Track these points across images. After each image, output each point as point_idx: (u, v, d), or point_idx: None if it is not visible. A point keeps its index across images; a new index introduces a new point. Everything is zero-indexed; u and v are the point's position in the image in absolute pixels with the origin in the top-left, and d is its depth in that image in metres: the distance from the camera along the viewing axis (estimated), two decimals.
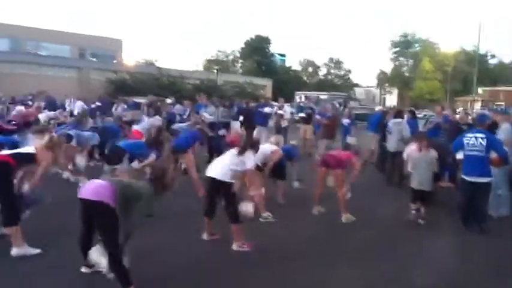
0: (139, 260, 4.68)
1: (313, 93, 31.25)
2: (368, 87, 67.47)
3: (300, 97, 31.03)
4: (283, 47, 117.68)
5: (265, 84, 45.02)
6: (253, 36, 63.95)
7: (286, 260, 5.26)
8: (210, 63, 66.88)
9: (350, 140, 12.60)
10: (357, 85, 69.21)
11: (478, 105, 46.09)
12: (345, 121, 13.21)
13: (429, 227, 6.83)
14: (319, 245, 5.89)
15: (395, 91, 65.09)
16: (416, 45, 63.40)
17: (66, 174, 8.62)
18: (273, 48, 65.62)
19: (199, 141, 8.78)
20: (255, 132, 14.62)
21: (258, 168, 6.83)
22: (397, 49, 63.45)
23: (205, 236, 5.74)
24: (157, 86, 32.18)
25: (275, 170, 7.92)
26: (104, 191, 3.94)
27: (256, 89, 39.07)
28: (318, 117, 13.53)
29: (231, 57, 68.12)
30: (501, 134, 7.41)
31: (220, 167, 5.46)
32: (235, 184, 5.41)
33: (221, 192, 5.46)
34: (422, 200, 7.03)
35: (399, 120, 9.94)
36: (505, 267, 5.41)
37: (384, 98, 63.13)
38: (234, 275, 4.79)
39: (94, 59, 44.64)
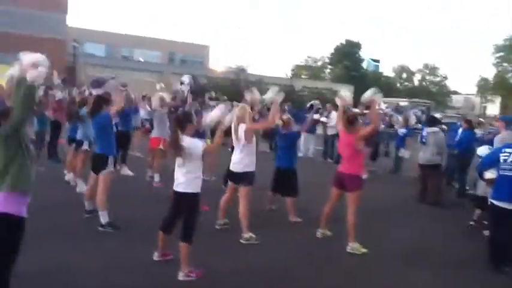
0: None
1: (392, 100, 29.10)
2: (467, 94, 62.21)
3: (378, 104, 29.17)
4: (376, 52, 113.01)
5: (346, 90, 43.29)
6: (344, 42, 62.10)
7: None
8: (299, 69, 66.21)
9: (403, 153, 11.11)
10: (455, 92, 64.20)
11: None
12: (401, 131, 11.67)
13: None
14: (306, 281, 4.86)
15: (498, 100, 59.22)
16: None
17: (68, 177, 8.35)
18: (366, 54, 63.23)
19: None
20: (301, 139, 13.64)
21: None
22: (501, 54, 57.69)
23: (155, 256, 4.96)
24: (235, 91, 32.10)
25: (285, 184, 7.01)
26: None
27: (336, 95, 37.53)
28: None
29: (320, 63, 66.71)
30: None
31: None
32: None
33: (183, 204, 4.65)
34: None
35: (435, 129, 8.42)
36: None
37: (485, 107, 57.75)
38: None
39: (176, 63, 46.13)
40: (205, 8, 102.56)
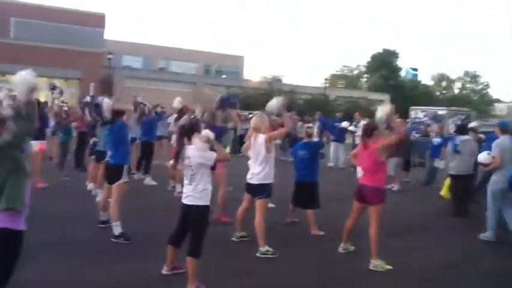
0: None
1: (429, 108, 28.15)
2: (511, 102, 59.83)
3: (415, 112, 28.27)
4: (414, 61, 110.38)
5: (382, 99, 42.22)
6: (381, 50, 61.09)
7: None
8: (334, 79, 65.56)
9: (438, 163, 10.55)
10: (497, 100, 61.83)
11: None
12: (435, 140, 11.10)
13: None
14: None
15: None
16: None
17: (90, 186, 8.30)
18: (403, 63, 62.01)
19: None
20: (331, 149, 13.27)
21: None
22: None
23: (165, 270, 4.74)
24: (267, 100, 31.99)
25: (306, 197, 6.72)
26: None
27: (371, 104, 36.75)
28: None
29: (356, 72, 65.81)
30: None
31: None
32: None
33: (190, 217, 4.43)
34: None
35: (468, 137, 7.89)
36: None
37: None
38: None
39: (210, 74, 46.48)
40: (240, 19, 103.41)
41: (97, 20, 35.73)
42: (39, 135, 8.95)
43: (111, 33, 66.57)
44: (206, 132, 4.63)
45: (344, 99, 36.71)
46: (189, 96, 34.93)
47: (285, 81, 50.00)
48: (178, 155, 4.42)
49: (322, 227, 6.64)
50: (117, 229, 5.73)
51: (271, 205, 8.04)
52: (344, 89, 51.46)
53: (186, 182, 4.41)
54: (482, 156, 6.85)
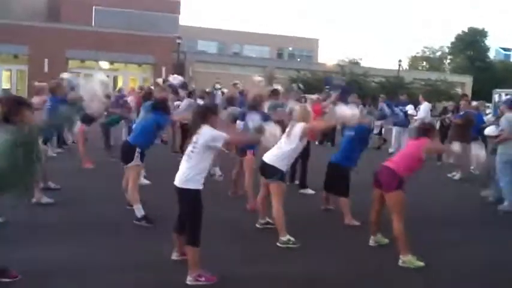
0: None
1: None
2: None
3: (499, 96, 26.00)
4: (505, 40, 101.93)
5: (464, 82, 39.44)
6: (466, 30, 57.06)
7: None
8: (414, 60, 62.45)
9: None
10: None
11: None
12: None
13: None
14: None
15: None
16: None
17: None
18: (492, 42, 57.55)
19: None
20: (393, 133, 12.55)
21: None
22: None
23: (174, 255, 4.63)
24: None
25: (336, 183, 6.33)
26: None
27: (451, 87, 34.48)
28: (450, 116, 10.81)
29: (438, 54, 62.09)
30: None
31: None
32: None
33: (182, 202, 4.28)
34: None
35: None
36: None
37: None
38: None
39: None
40: (315, 1, 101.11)
41: (172, 6, 36.69)
42: (85, 118, 9.24)
43: (186, 19, 68.21)
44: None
45: (421, 82, 34.73)
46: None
47: (363, 64, 48.63)
48: (191, 136, 4.23)
49: (361, 217, 6.12)
50: (138, 212, 5.72)
51: (310, 191, 7.79)
52: (422, 71, 48.76)
53: (183, 159, 4.23)
54: (490, 130, 7.38)
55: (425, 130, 5.10)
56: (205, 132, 4.12)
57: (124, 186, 6.18)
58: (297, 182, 8.03)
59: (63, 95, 7.22)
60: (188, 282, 4.13)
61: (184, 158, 4.21)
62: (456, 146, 5.53)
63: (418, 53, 63.10)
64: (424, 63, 62.34)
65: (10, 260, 4.08)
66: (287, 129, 5.48)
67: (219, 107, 4.52)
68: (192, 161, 4.13)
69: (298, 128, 5.37)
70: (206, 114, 4.25)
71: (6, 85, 28.60)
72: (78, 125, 8.94)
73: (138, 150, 5.76)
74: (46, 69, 26.97)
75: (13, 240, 4.65)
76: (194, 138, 4.16)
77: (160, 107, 6.14)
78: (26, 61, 28.62)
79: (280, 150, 5.38)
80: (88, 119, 8.76)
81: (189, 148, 4.18)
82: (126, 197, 6.16)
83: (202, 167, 4.17)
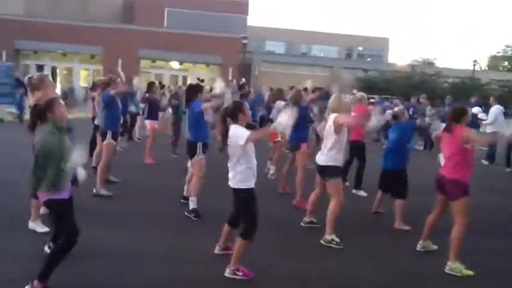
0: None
1: None
2: None
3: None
4: None
5: None
6: None
7: None
8: (494, 61, 58.79)
9: None
10: None
11: None
12: None
13: None
14: None
15: None
16: None
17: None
18: None
19: None
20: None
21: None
22: None
23: (217, 249, 4.76)
24: (407, 84, 30.26)
25: (393, 184, 6.19)
26: None
27: None
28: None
29: None
30: None
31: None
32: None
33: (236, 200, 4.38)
34: None
35: None
36: None
37: None
38: None
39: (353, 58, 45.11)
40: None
41: (241, 7, 37.25)
42: (152, 115, 9.68)
43: (255, 19, 68.85)
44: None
45: (499, 83, 32.69)
46: (326, 80, 34.78)
47: (438, 64, 46.46)
48: (225, 136, 4.33)
49: (411, 221, 5.94)
50: (192, 204, 5.91)
51: (363, 193, 7.66)
52: (502, 72, 45.84)
53: (229, 163, 4.35)
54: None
55: (461, 112, 4.81)
56: (233, 132, 4.21)
57: (188, 181, 6.39)
58: (347, 183, 7.91)
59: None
60: (226, 275, 4.23)
61: (230, 160, 4.32)
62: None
63: (499, 52, 59.39)
64: (506, 63, 58.58)
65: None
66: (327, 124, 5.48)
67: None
68: (233, 162, 4.25)
69: (331, 120, 5.35)
70: (235, 113, 4.33)
71: (84, 83, 30.47)
72: (149, 122, 9.42)
73: (199, 144, 5.98)
74: (120, 68, 28.38)
75: None
76: (229, 141, 4.25)
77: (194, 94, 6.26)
78: (101, 61, 30.28)
79: (325, 147, 5.40)
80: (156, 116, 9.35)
81: (228, 150, 4.29)
82: (183, 191, 6.39)
83: (246, 165, 4.25)
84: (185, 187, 6.50)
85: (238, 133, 4.17)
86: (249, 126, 4.40)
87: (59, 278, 3.72)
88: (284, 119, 4.08)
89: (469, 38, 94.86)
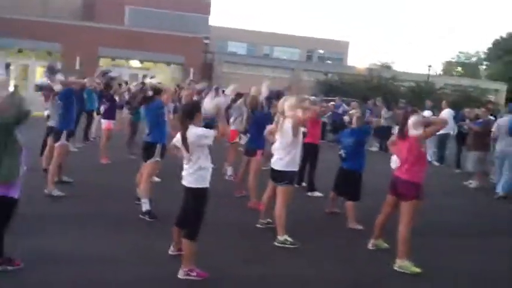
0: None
1: None
2: None
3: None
4: None
5: (498, 89, 38.18)
6: (504, 35, 55.33)
7: None
8: (448, 66, 61.03)
9: None
10: None
11: None
12: None
13: None
14: None
15: None
16: None
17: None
18: None
19: None
20: None
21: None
22: None
23: (171, 250, 4.73)
24: (366, 87, 30.96)
25: (347, 186, 6.31)
26: None
27: (483, 94, 33.52)
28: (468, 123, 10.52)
29: (474, 59, 60.52)
30: None
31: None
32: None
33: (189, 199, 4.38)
34: None
35: None
36: None
37: None
38: None
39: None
40: (346, 3, 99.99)
41: (203, 7, 37.06)
42: (108, 115, 9.52)
43: (217, 19, 68.87)
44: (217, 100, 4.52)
45: (452, 88, 33.91)
46: (286, 82, 35.11)
47: (395, 68, 47.69)
48: (184, 136, 4.32)
49: (364, 220, 6.09)
50: (145, 206, 5.85)
51: (318, 194, 7.78)
52: (455, 77, 47.60)
53: (184, 162, 4.34)
54: None
55: (410, 114, 4.96)
56: (191, 133, 4.19)
57: (138, 182, 6.31)
58: (304, 184, 8.02)
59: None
60: (179, 276, 4.22)
61: (185, 160, 4.30)
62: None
63: (453, 58, 61.73)
64: (459, 68, 60.91)
65: (15, 249, 4.27)
66: (278, 128, 5.52)
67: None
68: (191, 162, 4.24)
69: (287, 123, 5.37)
70: (193, 112, 4.32)
71: (40, 80, 29.51)
72: (105, 122, 9.26)
73: (158, 146, 5.94)
74: (77, 66, 27.67)
75: (19, 230, 4.83)
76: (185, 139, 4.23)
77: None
78: (59, 58, 29.43)
79: (282, 151, 5.43)
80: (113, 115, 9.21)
81: (184, 148, 4.27)
82: (136, 193, 6.31)
83: (203, 165, 4.26)
84: (137, 189, 6.42)
85: (204, 133, 4.18)
86: (208, 126, 4.43)
87: None
88: (208, 104, 4.12)
89: (445, 35, 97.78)
